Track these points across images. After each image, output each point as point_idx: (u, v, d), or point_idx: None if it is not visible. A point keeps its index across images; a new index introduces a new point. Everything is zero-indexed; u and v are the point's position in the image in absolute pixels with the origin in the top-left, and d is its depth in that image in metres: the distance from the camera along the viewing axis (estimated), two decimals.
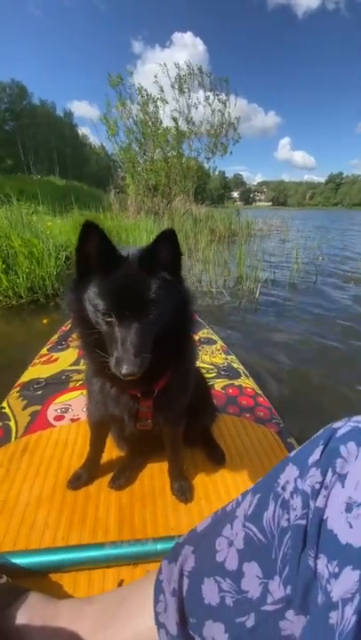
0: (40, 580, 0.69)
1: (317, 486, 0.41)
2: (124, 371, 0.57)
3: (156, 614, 0.51)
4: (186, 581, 0.51)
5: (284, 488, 0.45)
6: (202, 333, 1.98)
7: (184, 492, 0.90)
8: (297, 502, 0.42)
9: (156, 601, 0.52)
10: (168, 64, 10.70)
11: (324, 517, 0.38)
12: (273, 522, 0.44)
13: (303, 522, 0.40)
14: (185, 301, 0.70)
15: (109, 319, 0.61)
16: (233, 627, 0.43)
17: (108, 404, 0.78)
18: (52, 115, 54.92)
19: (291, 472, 0.46)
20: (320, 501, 0.39)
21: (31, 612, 0.58)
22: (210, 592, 0.47)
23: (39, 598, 0.60)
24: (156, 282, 0.62)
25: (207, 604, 0.46)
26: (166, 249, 0.63)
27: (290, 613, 0.39)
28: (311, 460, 0.44)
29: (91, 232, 0.59)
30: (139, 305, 0.60)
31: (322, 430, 0.47)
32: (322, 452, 0.43)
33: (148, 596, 0.54)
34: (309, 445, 0.46)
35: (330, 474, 0.40)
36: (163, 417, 0.81)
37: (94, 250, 0.61)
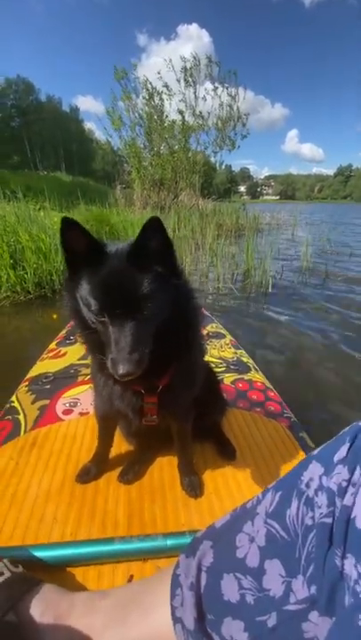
0: (51, 573, 0.68)
1: (344, 484, 0.39)
2: (120, 371, 0.55)
3: (173, 608, 0.50)
4: (204, 576, 0.50)
5: (308, 485, 0.43)
6: (210, 327, 1.95)
7: (194, 487, 0.88)
8: (322, 500, 0.40)
9: (173, 595, 0.51)
10: (173, 57, 10.60)
11: (352, 516, 0.36)
12: (297, 519, 0.43)
13: (329, 520, 0.38)
14: (183, 294, 0.68)
15: (102, 319, 0.59)
16: (253, 625, 0.42)
17: (112, 399, 0.77)
18: (58, 110, 54.83)
19: (315, 469, 0.44)
20: (348, 499, 0.37)
21: (44, 603, 0.57)
22: (229, 588, 0.45)
23: (53, 590, 0.60)
24: (148, 276, 0.59)
25: (226, 601, 0.45)
26: (154, 239, 0.59)
27: (314, 615, 0.38)
28: (337, 457, 0.42)
29: (69, 229, 0.57)
30: (130, 302, 0.58)
31: (348, 427, 0.45)
32: (348, 449, 0.41)
33: (164, 591, 0.53)
34: (334, 443, 0.45)
35: (358, 471, 0.38)
36: (168, 413, 0.80)
37: (78, 246, 0.59)
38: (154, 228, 0.58)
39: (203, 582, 0.49)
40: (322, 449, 0.47)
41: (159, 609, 0.52)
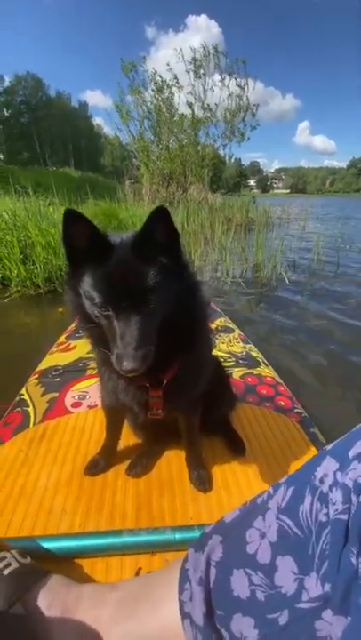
0: (59, 564, 0.68)
1: (360, 480, 0.37)
2: (124, 367, 0.54)
3: (181, 603, 0.50)
4: (213, 571, 0.49)
5: (321, 481, 0.42)
6: (219, 322, 1.93)
7: (203, 481, 0.87)
8: (337, 496, 0.38)
9: (181, 590, 0.51)
10: (182, 49, 10.40)
11: None
12: (310, 515, 0.41)
13: (344, 517, 0.37)
14: (190, 286, 0.66)
15: (107, 312, 0.57)
16: (264, 622, 0.40)
17: (117, 393, 0.76)
18: (67, 106, 54.87)
19: (329, 465, 0.42)
20: None
21: (52, 594, 0.57)
22: (239, 584, 0.44)
23: (61, 581, 0.60)
24: (153, 268, 0.57)
25: (236, 597, 0.44)
26: (160, 230, 0.57)
27: (327, 613, 0.36)
28: (352, 452, 0.40)
29: (72, 220, 0.55)
30: (136, 295, 0.56)
31: None
32: None
33: (173, 585, 0.52)
34: (349, 438, 0.43)
35: None
36: (174, 407, 0.79)
37: (80, 238, 0.57)
38: (160, 217, 0.56)
39: (212, 577, 0.48)
40: (336, 444, 0.45)
41: (168, 603, 0.51)
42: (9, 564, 0.58)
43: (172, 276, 0.60)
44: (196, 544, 0.55)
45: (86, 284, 0.58)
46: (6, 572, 0.57)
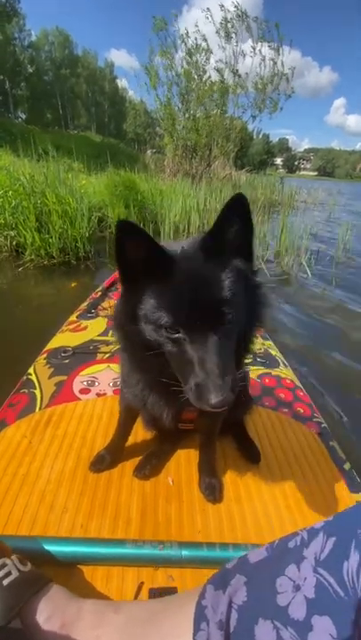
0: (59, 568, 0.65)
1: None
2: (213, 401, 0.45)
3: None
4: (235, 615, 0.44)
5: None
6: None
7: (213, 490, 0.82)
8: None
9: (197, 629, 0.46)
10: (216, 7, 9.53)
11: None
12: (357, 576, 0.36)
13: None
14: (261, 297, 0.56)
15: (176, 335, 0.48)
16: None
17: (147, 399, 0.68)
18: (93, 65, 52.21)
19: None
20: None
21: (51, 607, 0.54)
22: (266, 637, 0.40)
23: (61, 593, 0.56)
24: (229, 274, 0.47)
25: None
26: (237, 224, 0.47)
27: None
28: None
29: (128, 233, 0.46)
30: (212, 311, 0.47)
31: None
32: None
33: (185, 619, 0.48)
34: None
35: None
36: (209, 420, 0.72)
37: (138, 253, 0.48)
38: (240, 207, 0.46)
39: (233, 622, 0.44)
40: None
41: (179, 639, 0.47)
42: (9, 573, 0.54)
43: (248, 283, 0.51)
44: (217, 580, 0.49)
45: (148, 304, 0.48)
46: (6, 582, 0.53)
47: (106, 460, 0.88)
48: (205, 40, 9.54)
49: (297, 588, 0.40)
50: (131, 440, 0.95)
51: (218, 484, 0.84)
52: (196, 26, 9.47)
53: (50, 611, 0.53)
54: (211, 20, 9.52)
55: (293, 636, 0.38)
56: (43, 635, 0.52)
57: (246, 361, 1.31)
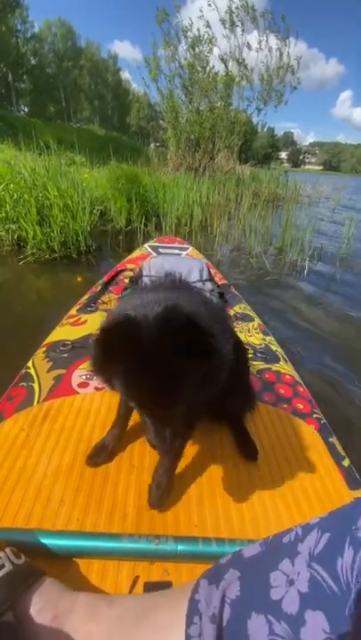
0: (54, 560, 0.65)
1: None
2: (159, 452, 0.64)
3: (188, 637, 0.45)
4: (228, 610, 0.44)
5: None
6: (238, 308, 1.82)
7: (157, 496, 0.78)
8: None
9: (190, 622, 0.46)
10: (219, 0, 9.32)
11: None
12: (351, 572, 0.36)
13: None
14: (225, 361, 0.66)
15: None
16: None
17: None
18: (95, 57, 51.57)
19: None
20: None
21: (44, 599, 0.54)
22: (258, 630, 0.40)
23: (55, 587, 0.56)
24: (184, 362, 0.53)
25: None
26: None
27: None
28: None
29: (113, 342, 0.53)
30: (168, 401, 0.55)
31: None
32: None
33: (179, 613, 0.48)
34: None
35: None
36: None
37: (118, 351, 0.54)
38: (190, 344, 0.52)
39: (226, 616, 0.44)
40: None
41: (172, 632, 0.47)
42: (2, 566, 0.54)
43: (210, 361, 0.58)
44: (210, 574, 0.49)
45: (118, 382, 0.57)
46: None
47: (103, 453, 0.88)
48: (209, 26, 9.37)
49: (291, 582, 0.40)
50: (128, 433, 0.95)
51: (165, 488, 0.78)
52: (201, 11, 9.30)
53: (42, 603, 0.53)
54: (215, 8, 9.35)
55: (286, 630, 0.38)
56: (34, 627, 0.52)
57: (249, 356, 1.32)
